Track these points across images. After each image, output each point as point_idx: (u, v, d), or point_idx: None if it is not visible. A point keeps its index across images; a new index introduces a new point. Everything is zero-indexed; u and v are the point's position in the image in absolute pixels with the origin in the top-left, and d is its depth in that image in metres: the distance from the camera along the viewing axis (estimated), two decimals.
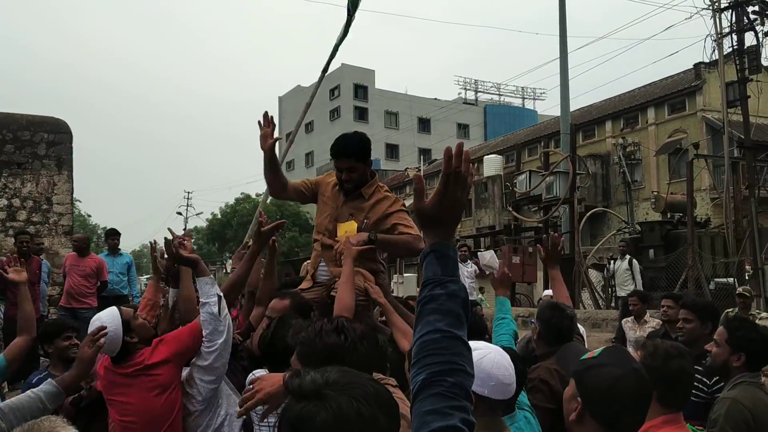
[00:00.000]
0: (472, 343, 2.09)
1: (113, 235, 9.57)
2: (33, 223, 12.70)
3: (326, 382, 1.25)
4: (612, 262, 12.88)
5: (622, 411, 1.77)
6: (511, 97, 64.02)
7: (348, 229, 3.59)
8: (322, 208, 3.91)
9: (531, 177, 17.95)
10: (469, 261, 11.03)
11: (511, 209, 18.99)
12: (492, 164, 32.32)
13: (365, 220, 3.66)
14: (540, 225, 18.44)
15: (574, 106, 31.73)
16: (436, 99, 58.72)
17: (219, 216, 47.36)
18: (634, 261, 12.97)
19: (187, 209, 58.36)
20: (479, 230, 33.31)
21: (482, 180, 33.72)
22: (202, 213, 57.80)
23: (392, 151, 55.88)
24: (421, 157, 45.00)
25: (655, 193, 18.94)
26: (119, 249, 9.60)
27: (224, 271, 41.12)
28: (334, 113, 56.60)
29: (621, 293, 12.19)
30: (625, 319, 7.57)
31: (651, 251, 14.87)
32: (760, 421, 2.71)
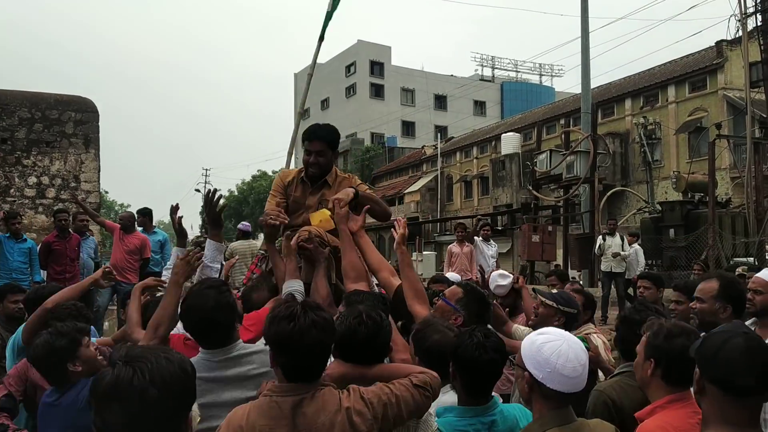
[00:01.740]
0: (539, 330, 2.22)
1: (143, 213, 9.76)
2: (61, 201, 12.95)
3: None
4: (603, 238, 12.96)
5: (732, 371, 1.88)
6: (529, 73, 63.68)
7: (322, 217, 3.68)
8: (293, 207, 3.99)
9: (552, 156, 17.96)
10: (491, 240, 11.13)
11: (531, 188, 19.04)
12: (509, 142, 32.24)
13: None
14: (559, 204, 18.50)
15: (593, 84, 31.51)
16: (452, 76, 58.45)
17: (236, 193, 47.85)
18: (625, 238, 13.11)
19: (205, 186, 58.84)
20: (496, 208, 33.32)
21: (500, 158, 33.68)
22: (219, 190, 58.32)
23: (408, 128, 55.80)
24: (438, 134, 44.90)
25: (676, 173, 18.90)
26: (154, 226, 9.80)
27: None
28: (350, 90, 56.52)
29: (618, 269, 12.27)
30: None
31: (671, 231, 14.92)
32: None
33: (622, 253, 12.09)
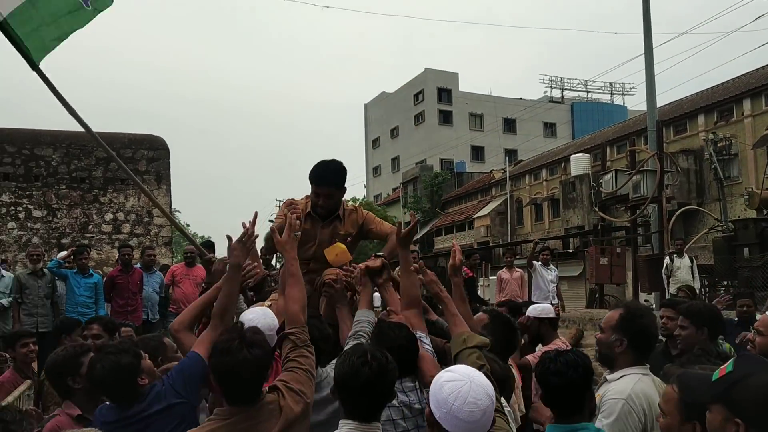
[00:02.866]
0: (449, 368, 2.18)
1: (206, 246, 10.12)
2: (136, 236, 13.62)
3: None
4: (671, 259, 12.58)
5: None
6: (599, 93, 62.53)
7: (338, 251, 3.74)
8: (302, 239, 3.81)
9: (617, 176, 17.58)
10: (551, 265, 10.99)
11: (597, 209, 18.66)
12: (579, 163, 31.70)
13: (348, 239, 3.91)
14: (629, 225, 18.06)
15: (664, 100, 30.68)
16: (521, 99, 58.03)
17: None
18: (694, 258, 12.75)
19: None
20: (568, 230, 32.71)
21: (570, 179, 33.09)
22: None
23: (477, 153, 55.62)
24: (507, 158, 44.57)
25: (749, 190, 18.14)
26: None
27: None
28: (419, 117, 56.89)
29: None
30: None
31: (746, 249, 14.29)
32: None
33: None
